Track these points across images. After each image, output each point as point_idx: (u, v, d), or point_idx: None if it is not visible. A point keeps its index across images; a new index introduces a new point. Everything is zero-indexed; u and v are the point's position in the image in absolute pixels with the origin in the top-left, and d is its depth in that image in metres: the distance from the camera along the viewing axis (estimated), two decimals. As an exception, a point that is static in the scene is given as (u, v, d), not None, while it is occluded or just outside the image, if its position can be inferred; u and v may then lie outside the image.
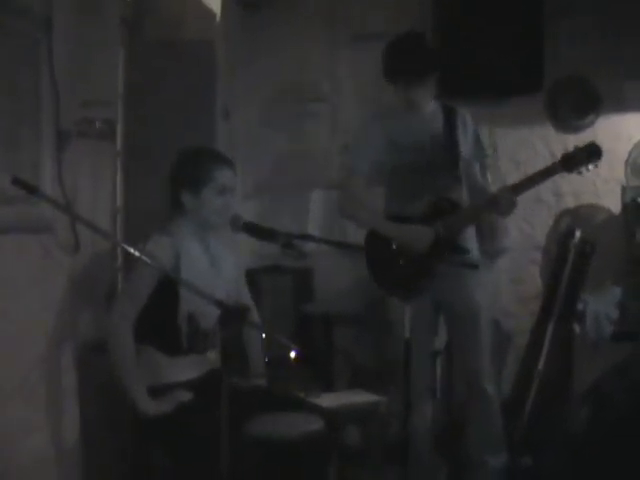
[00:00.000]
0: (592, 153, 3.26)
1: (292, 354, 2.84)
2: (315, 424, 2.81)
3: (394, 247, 3.49)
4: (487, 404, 3.67)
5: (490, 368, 3.68)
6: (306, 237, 3.08)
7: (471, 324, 3.63)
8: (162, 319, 2.85)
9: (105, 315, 2.96)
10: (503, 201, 3.40)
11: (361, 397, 3.88)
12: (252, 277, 4.88)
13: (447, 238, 3.48)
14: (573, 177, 4.77)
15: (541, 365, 4.23)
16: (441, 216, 3.50)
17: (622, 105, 4.76)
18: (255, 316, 3.26)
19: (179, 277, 2.76)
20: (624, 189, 4.66)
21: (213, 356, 3.00)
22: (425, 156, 3.57)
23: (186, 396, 2.81)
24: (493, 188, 3.74)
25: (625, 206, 4.63)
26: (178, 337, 2.87)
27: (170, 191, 2.98)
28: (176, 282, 2.77)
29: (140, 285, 2.83)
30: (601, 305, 4.33)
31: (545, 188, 4.83)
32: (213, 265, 3.01)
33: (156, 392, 2.83)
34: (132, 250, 2.37)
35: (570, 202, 4.80)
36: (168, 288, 2.79)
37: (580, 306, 4.31)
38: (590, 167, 3.29)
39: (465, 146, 3.65)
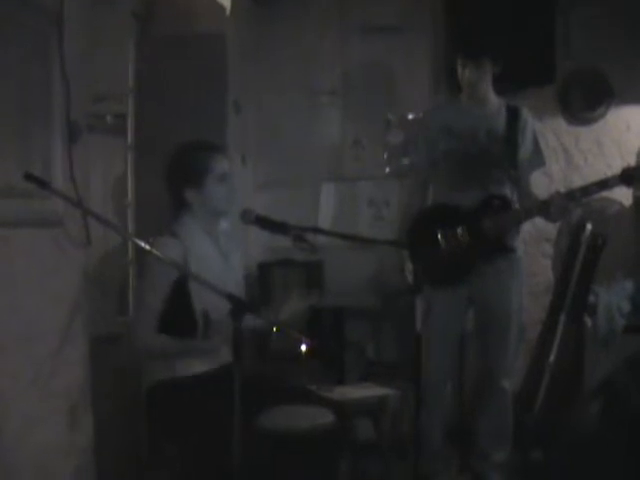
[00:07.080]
0: None
1: (303, 347, 2.84)
2: (327, 417, 2.81)
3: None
4: (503, 399, 3.72)
5: (509, 366, 3.72)
6: (317, 230, 3.08)
7: (503, 324, 3.67)
8: (175, 315, 2.84)
9: (130, 336, 2.93)
10: (554, 208, 3.41)
11: (373, 390, 3.87)
12: (263, 270, 4.92)
13: (494, 236, 3.51)
14: (584, 169, 4.86)
15: (552, 358, 4.22)
16: (491, 213, 3.53)
17: (633, 97, 4.74)
18: None
19: (191, 274, 2.75)
20: (636, 181, 4.63)
21: (225, 350, 3.00)
22: (477, 147, 3.59)
23: None
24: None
25: (636, 199, 4.61)
26: (191, 332, 2.87)
27: (172, 190, 2.97)
28: (186, 280, 2.77)
29: (157, 294, 2.81)
30: (613, 298, 4.32)
31: (556, 180, 4.82)
32: (224, 259, 3.01)
33: (169, 386, 2.84)
34: (143, 244, 2.38)
35: (581, 195, 4.78)
36: (179, 286, 2.80)
37: (592, 299, 4.29)
38: None
39: (523, 148, 3.66)
